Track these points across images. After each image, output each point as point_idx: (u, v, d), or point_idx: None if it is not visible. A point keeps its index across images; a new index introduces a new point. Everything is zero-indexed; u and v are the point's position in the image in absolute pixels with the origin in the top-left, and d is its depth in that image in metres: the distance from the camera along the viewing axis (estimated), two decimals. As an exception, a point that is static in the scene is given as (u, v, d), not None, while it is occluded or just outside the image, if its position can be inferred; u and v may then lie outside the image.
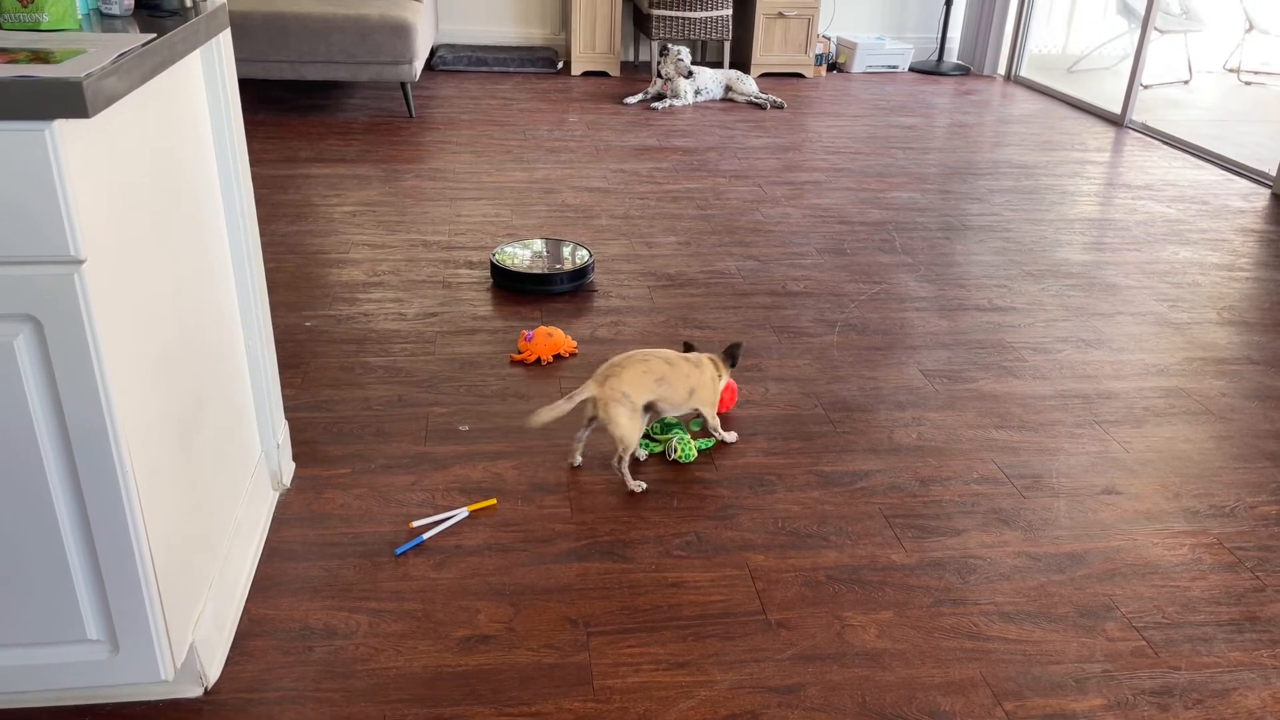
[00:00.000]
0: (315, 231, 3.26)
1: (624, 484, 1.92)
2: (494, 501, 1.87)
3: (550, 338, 2.42)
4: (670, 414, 2.00)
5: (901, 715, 1.43)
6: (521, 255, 2.93)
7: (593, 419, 1.93)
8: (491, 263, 2.86)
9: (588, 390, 1.88)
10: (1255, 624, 1.64)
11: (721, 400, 2.12)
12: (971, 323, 2.74)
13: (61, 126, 1.00)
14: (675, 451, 2.02)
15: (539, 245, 3.04)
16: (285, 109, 4.86)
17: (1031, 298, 2.93)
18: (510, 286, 2.83)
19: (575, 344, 2.48)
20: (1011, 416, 2.26)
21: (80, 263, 1.05)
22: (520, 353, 2.43)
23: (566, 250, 3.00)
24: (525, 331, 2.44)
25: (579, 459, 2.00)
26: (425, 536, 1.77)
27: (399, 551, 1.73)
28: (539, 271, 2.81)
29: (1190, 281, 3.10)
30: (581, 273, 2.85)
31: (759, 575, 1.71)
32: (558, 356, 2.45)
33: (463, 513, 1.84)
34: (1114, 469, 2.06)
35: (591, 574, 1.70)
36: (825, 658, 1.53)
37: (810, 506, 1.91)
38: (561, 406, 1.85)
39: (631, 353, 1.97)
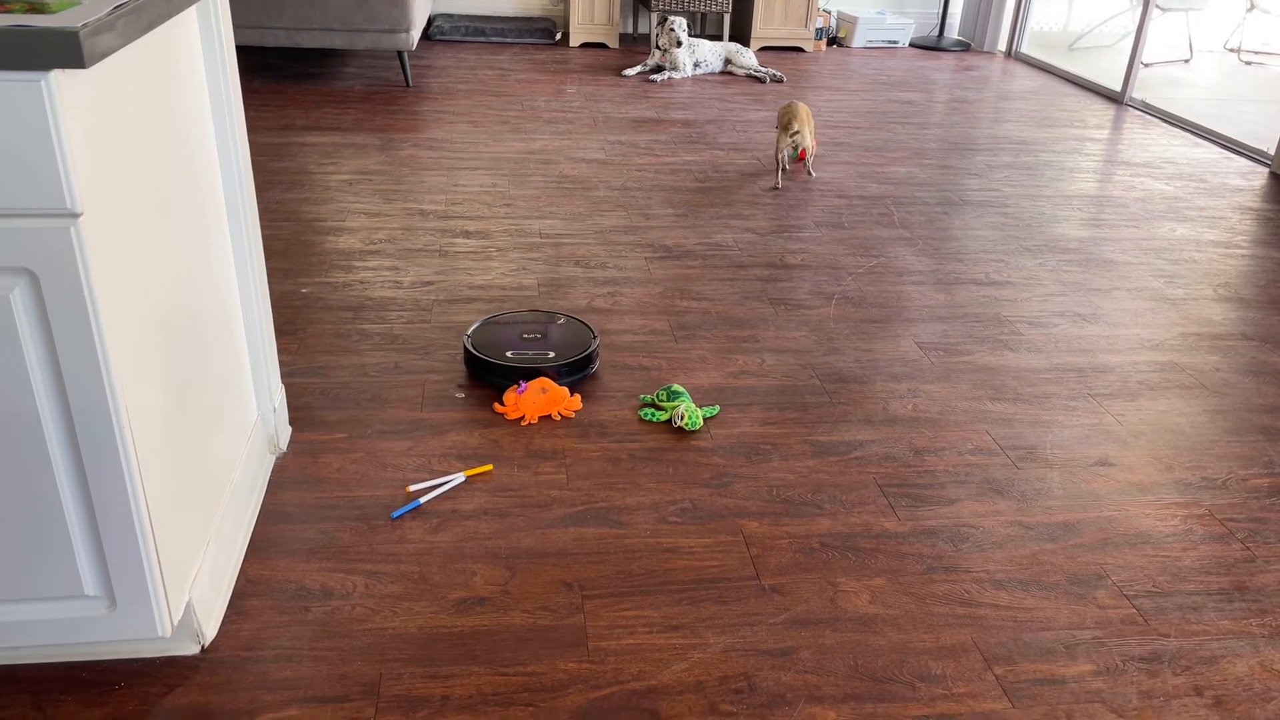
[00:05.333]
0: (311, 199, 3.24)
1: (777, 172, 3.58)
2: (490, 467, 1.88)
3: (544, 394, 2.05)
4: (803, 140, 3.56)
5: (892, 678, 1.44)
6: (503, 335, 2.27)
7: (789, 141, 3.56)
8: (466, 348, 2.21)
9: (805, 127, 3.55)
10: (1244, 593, 1.65)
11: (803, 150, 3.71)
12: (968, 296, 2.75)
13: (58, 77, 0.99)
14: (682, 419, 2.03)
15: (526, 320, 2.37)
16: (281, 77, 4.82)
17: (1028, 273, 2.93)
18: (490, 380, 2.17)
19: (579, 401, 2.10)
20: (1006, 389, 2.26)
21: (77, 216, 1.05)
22: (504, 404, 2.07)
23: (559, 326, 2.33)
24: (519, 382, 2.08)
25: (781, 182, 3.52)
26: (422, 501, 1.77)
27: (395, 515, 1.73)
28: (524, 365, 2.14)
29: (1187, 258, 3.10)
30: (583, 363, 2.21)
31: (753, 542, 1.72)
32: (548, 419, 2.06)
33: (459, 478, 1.84)
34: (1107, 441, 2.07)
35: (587, 539, 1.71)
36: (818, 622, 1.54)
37: (805, 475, 1.91)
38: (784, 153, 3.58)
39: (789, 105, 3.59)
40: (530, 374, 2.12)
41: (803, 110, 3.60)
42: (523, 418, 2.03)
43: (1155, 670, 1.48)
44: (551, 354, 2.19)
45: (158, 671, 1.39)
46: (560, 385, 2.09)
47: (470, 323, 2.45)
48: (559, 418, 2.05)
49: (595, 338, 2.27)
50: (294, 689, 1.37)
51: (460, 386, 2.16)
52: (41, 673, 1.38)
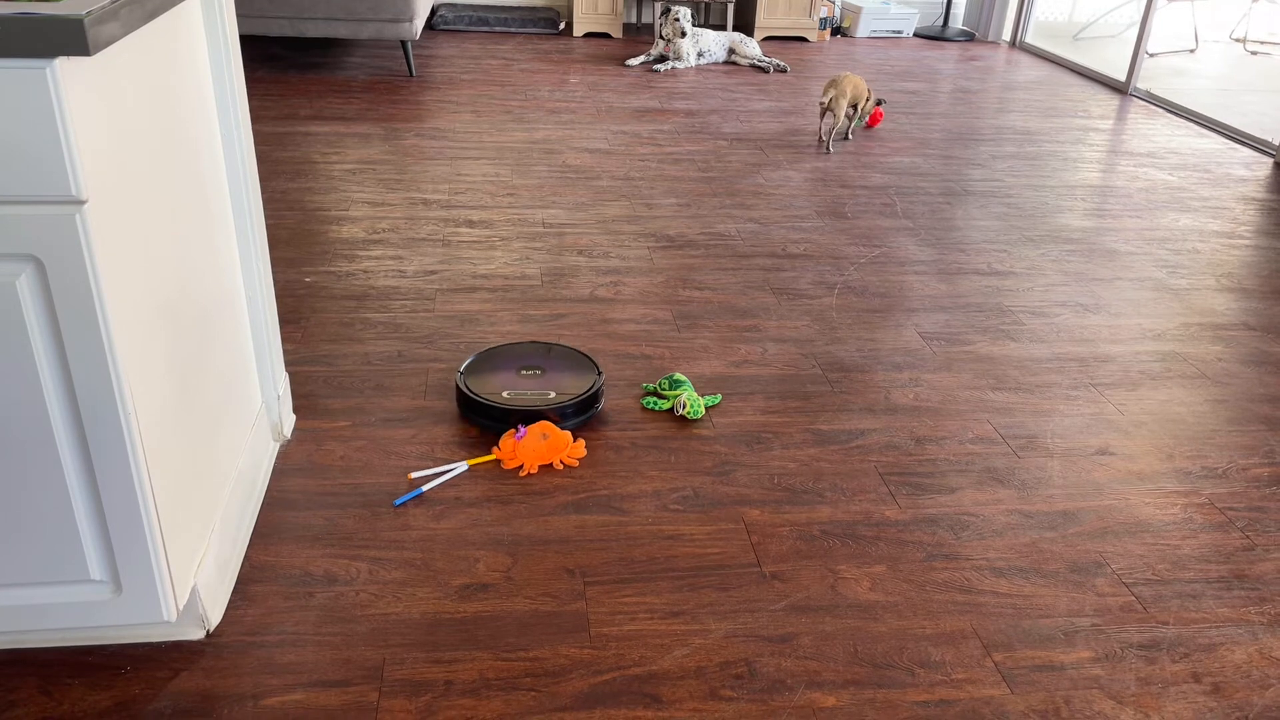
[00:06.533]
0: (315, 189, 3.25)
1: (825, 142, 3.97)
2: (495, 455, 1.88)
3: (545, 441, 1.88)
4: (837, 109, 3.87)
5: (892, 664, 1.45)
6: (500, 371, 2.07)
7: (828, 112, 3.90)
8: (458, 388, 2.02)
9: (837, 100, 3.85)
10: (1244, 581, 1.66)
11: (874, 116, 4.20)
12: (970, 286, 2.75)
13: (62, 65, 1.00)
14: (684, 407, 2.04)
15: (524, 353, 2.15)
16: (284, 66, 4.82)
17: (1031, 263, 2.93)
18: (485, 424, 1.98)
19: (583, 447, 1.92)
20: (1008, 378, 2.27)
21: (82, 203, 1.06)
22: (501, 450, 1.88)
23: (560, 360, 2.14)
24: (518, 427, 1.89)
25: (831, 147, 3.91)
26: (425, 488, 1.79)
27: (398, 503, 1.74)
28: (523, 407, 1.95)
29: (1190, 248, 3.10)
30: (587, 403, 2.01)
31: (754, 529, 1.73)
32: (548, 467, 1.88)
33: (462, 466, 1.85)
34: (1108, 430, 2.08)
35: (589, 526, 1.72)
36: (818, 609, 1.55)
37: (806, 464, 1.92)
38: (841, 121, 3.96)
39: (839, 76, 3.91)
40: (530, 417, 1.95)
41: (845, 82, 3.90)
42: (521, 467, 1.86)
43: (1154, 657, 1.49)
44: (552, 393, 1.99)
45: (163, 656, 1.40)
46: (563, 429, 1.92)
47: (472, 315, 2.46)
48: (561, 466, 1.87)
49: (600, 374, 2.07)
50: (298, 674, 1.39)
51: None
52: (49, 656, 1.39)
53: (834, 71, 5.34)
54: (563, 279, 2.67)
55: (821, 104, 3.91)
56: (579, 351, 2.16)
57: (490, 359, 2.13)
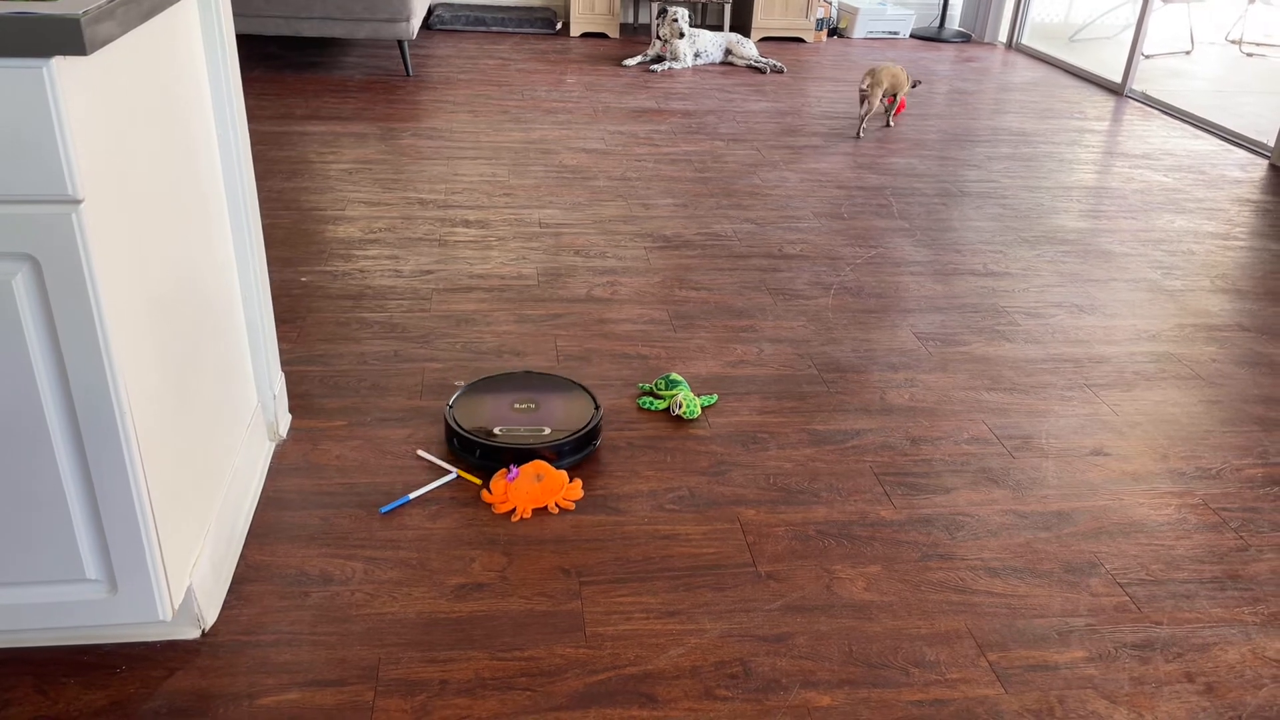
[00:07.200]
0: (311, 188, 3.25)
1: (861, 124, 4.20)
2: (485, 499, 1.76)
3: (539, 482, 1.75)
4: (872, 97, 4.13)
5: (887, 664, 1.46)
6: (491, 405, 1.95)
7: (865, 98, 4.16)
8: (447, 424, 1.89)
9: (873, 88, 4.10)
10: (1237, 582, 1.67)
11: (900, 104, 4.38)
12: (966, 287, 2.76)
13: (59, 64, 1.00)
14: (680, 407, 2.04)
15: (517, 384, 2.03)
16: (280, 65, 4.82)
17: (1026, 263, 2.94)
18: (475, 461, 1.85)
19: (580, 488, 1.80)
20: (1003, 379, 2.27)
21: (78, 202, 1.06)
22: (492, 493, 1.76)
23: (555, 393, 2.00)
24: (510, 466, 1.78)
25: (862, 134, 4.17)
26: (411, 496, 1.76)
27: (384, 510, 1.72)
28: (516, 444, 1.83)
29: (1185, 250, 3.11)
30: (584, 440, 1.89)
31: (750, 529, 1.73)
32: (542, 510, 1.75)
33: (451, 475, 1.83)
34: (1103, 431, 2.08)
35: (585, 526, 1.72)
36: (813, 609, 1.56)
37: (802, 464, 1.93)
38: (877, 106, 4.24)
39: (878, 65, 4.15)
40: (522, 456, 1.83)
41: (883, 72, 4.15)
42: (513, 511, 1.74)
43: (1147, 657, 1.49)
44: (547, 429, 1.87)
45: (159, 655, 1.40)
46: (558, 469, 1.81)
47: (468, 315, 2.46)
48: (556, 510, 1.75)
49: (598, 407, 1.95)
50: (294, 673, 1.39)
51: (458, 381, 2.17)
52: (45, 655, 1.39)
53: (832, 72, 5.34)
54: (559, 279, 2.68)
55: (861, 90, 4.17)
56: (575, 382, 2.06)
57: (481, 391, 2.01)
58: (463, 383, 2.14)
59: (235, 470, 1.64)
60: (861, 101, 4.18)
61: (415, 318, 2.42)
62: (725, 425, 2.04)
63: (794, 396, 2.16)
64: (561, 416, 1.93)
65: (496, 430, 1.87)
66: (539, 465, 1.79)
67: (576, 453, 1.88)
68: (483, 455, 1.84)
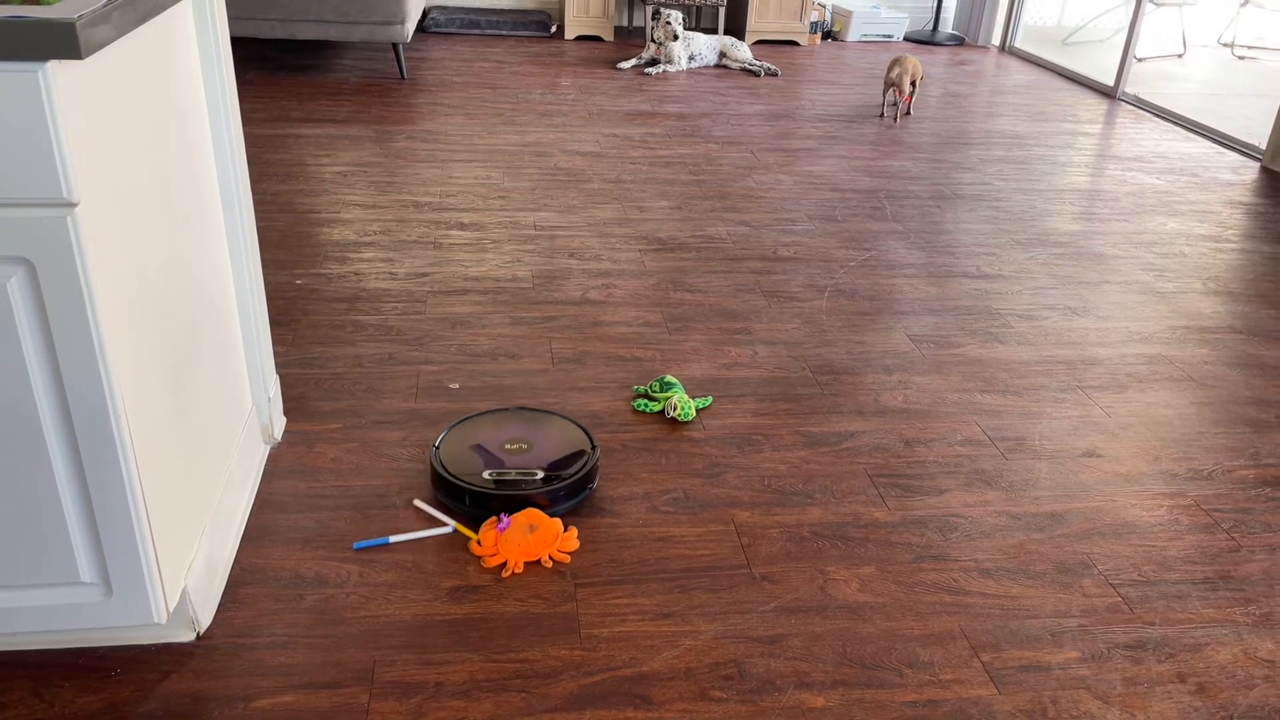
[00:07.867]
0: (306, 191, 3.25)
1: (886, 115, 4.49)
2: (474, 551, 1.64)
3: (532, 533, 1.63)
4: (901, 84, 4.47)
5: (881, 665, 1.46)
6: (481, 445, 1.82)
7: (893, 86, 4.51)
8: (434, 467, 1.76)
9: (901, 76, 4.42)
10: (1229, 582, 1.67)
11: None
12: (960, 289, 2.76)
13: (55, 68, 1.00)
14: (675, 409, 2.04)
15: (508, 422, 1.90)
16: (275, 68, 4.82)
17: (1019, 266, 2.95)
18: (464, 509, 1.72)
19: (575, 538, 1.67)
20: (996, 381, 2.28)
21: (73, 206, 1.06)
22: (481, 545, 1.63)
23: (548, 430, 1.87)
24: (500, 516, 1.67)
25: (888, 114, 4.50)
26: (391, 539, 1.66)
27: (358, 546, 1.64)
28: (508, 492, 1.70)
29: (1177, 252, 3.12)
30: (579, 484, 1.77)
31: (744, 531, 1.74)
32: (534, 564, 1.62)
33: (449, 528, 1.69)
34: (1095, 432, 2.09)
35: (580, 528, 1.72)
36: (807, 610, 1.56)
37: (796, 465, 1.93)
38: (907, 89, 4.48)
39: (902, 56, 4.47)
40: (514, 504, 1.70)
41: (907, 61, 4.49)
42: (504, 564, 1.61)
43: (1139, 658, 1.50)
44: (539, 473, 1.74)
45: (154, 658, 1.40)
46: (552, 516, 1.69)
47: (463, 317, 2.46)
48: (550, 563, 1.62)
49: (595, 447, 1.83)
50: (289, 675, 1.39)
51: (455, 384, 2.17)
52: (40, 658, 1.39)
53: (826, 75, 5.36)
54: (554, 281, 2.68)
55: (888, 79, 4.50)
56: (569, 418, 1.93)
57: (469, 429, 1.87)
58: (458, 385, 2.14)
59: (230, 473, 1.64)
60: (887, 89, 4.57)
61: (410, 320, 2.42)
62: (720, 427, 2.05)
63: (788, 399, 2.17)
64: (555, 456, 1.80)
65: (486, 474, 1.74)
66: (532, 514, 1.66)
67: (572, 498, 1.75)
68: (472, 503, 1.71)
